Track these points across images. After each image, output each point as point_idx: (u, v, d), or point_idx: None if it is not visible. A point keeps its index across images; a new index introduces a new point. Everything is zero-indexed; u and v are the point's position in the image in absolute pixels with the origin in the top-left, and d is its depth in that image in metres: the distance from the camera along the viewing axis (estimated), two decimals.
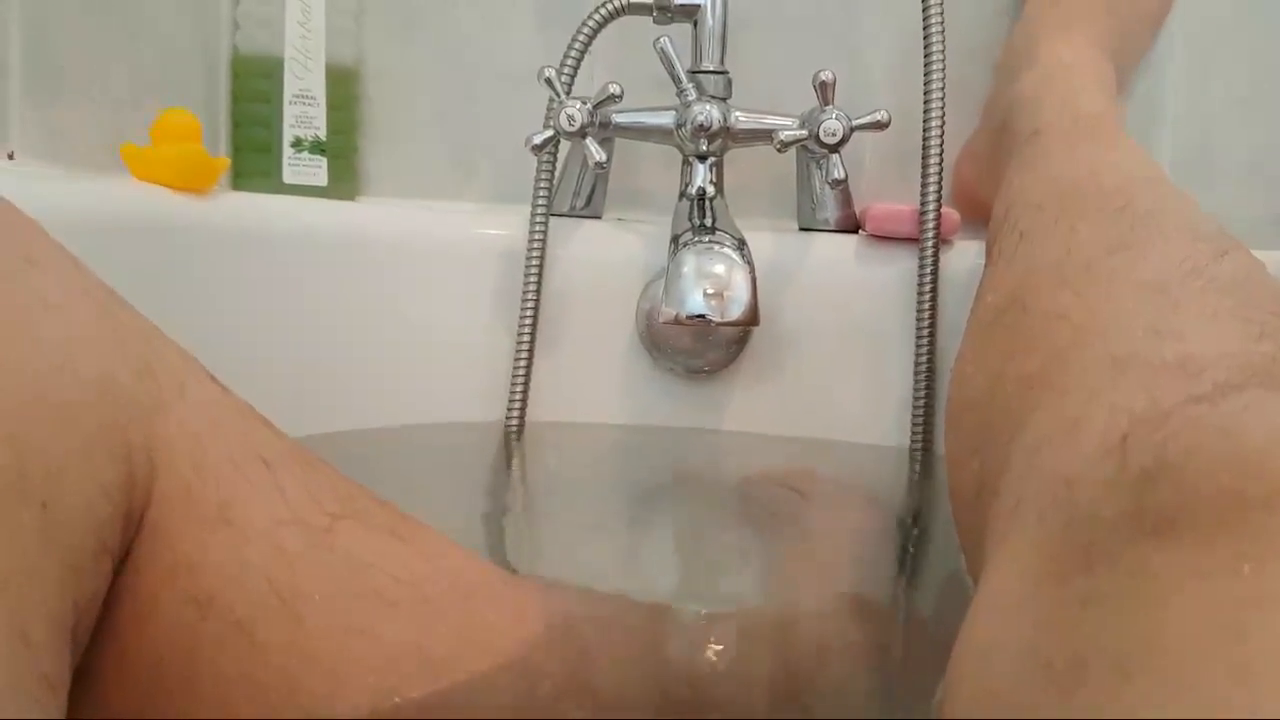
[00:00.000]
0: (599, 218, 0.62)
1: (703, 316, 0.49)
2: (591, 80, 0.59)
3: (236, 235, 0.51)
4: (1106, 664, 0.20)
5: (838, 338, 0.58)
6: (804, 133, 0.52)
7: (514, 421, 0.55)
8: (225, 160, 0.50)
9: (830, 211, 0.61)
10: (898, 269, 0.57)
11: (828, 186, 0.58)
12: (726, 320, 0.49)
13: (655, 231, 0.59)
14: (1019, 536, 0.26)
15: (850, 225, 0.61)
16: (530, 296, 0.56)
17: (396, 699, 0.27)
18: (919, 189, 0.56)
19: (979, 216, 0.59)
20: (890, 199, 0.62)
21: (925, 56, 0.53)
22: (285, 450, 0.28)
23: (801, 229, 0.62)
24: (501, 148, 0.67)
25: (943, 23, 0.53)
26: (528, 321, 0.56)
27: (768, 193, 0.63)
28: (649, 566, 0.41)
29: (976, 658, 0.24)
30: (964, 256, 0.56)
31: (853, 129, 0.52)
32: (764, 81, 0.63)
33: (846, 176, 0.53)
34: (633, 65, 0.59)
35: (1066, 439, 0.27)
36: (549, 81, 0.53)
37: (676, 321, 0.49)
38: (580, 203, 0.61)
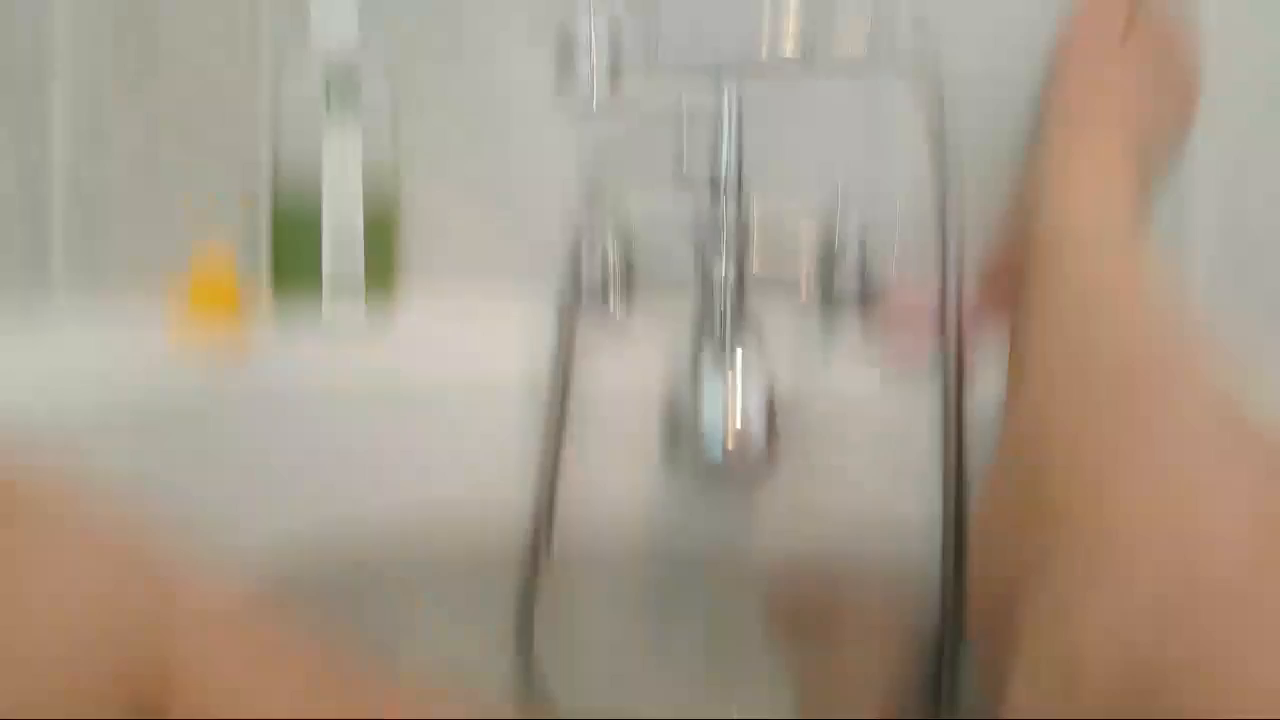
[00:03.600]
0: (624, 303, 0.63)
1: (723, 455, 0.50)
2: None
3: (268, 396, 0.54)
4: None
5: (864, 426, 0.58)
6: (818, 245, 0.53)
7: (541, 538, 0.57)
8: (256, 296, 0.53)
9: (852, 285, 0.61)
10: (924, 380, 0.57)
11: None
12: (747, 459, 0.50)
13: (681, 323, 0.59)
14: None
15: (875, 300, 0.61)
16: (555, 410, 0.57)
17: None
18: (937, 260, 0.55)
19: (1000, 325, 0.59)
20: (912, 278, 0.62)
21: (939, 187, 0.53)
22: (311, 684, 0.31)
23: (823, 301, 0.62)
24: (535, 241, 0.69)
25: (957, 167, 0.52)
26: (552, 450, 0.57)
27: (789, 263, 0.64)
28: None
29: None
30: (988, 378, 0.56)
31: (869, 285, 0.53)
32: (782, 171, 0.64)
33: (865, 285, 0.54)
34: (651, 154, 0.60)
35: (1075, 617, 0.28)
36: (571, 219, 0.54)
37: (695, 460, 0.51)
38: (603, 297, 0.62)
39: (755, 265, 0.57)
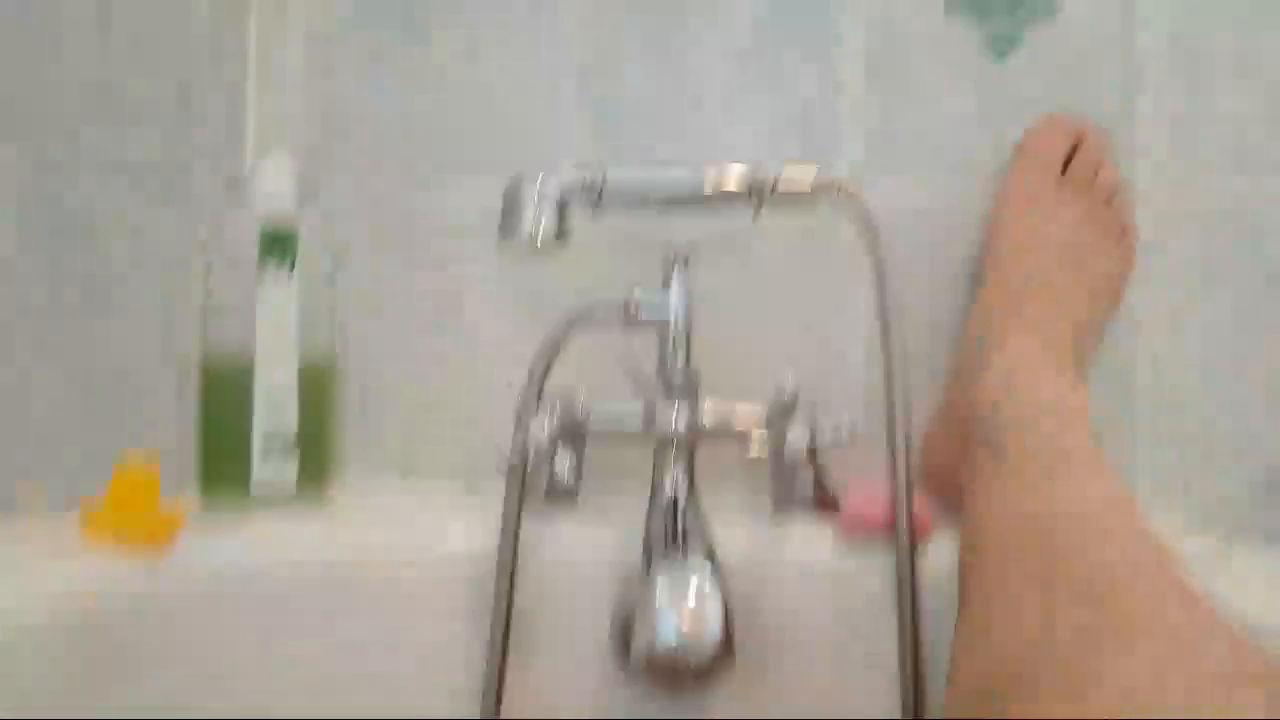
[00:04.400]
0: (574, 497, 0.61)
1: (675, 653, 0.48)
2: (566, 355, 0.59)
3: (193, 594, 0.50)
4: None
5: (820, 635, 0.56)
6: (769, 446, 0.52)
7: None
8: (182, 514, 0.49)
9: (806, 490, 0.60)
10: (878, 558, 0.56)
11: (799, 482, 0.58)
12: (700, 656, 0.48)
13: (630, 519, 0.58)
14: None
15: (828, 503, 0.60)
16: (501, 613, 0.54)
17: None
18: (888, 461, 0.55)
19: (948, 496, 0.59)
20: (865, 468, 0.62)
21: (886, 366, 0.52)
22: None
23: (776, 509, 0.61)
24: (478, 430, 0.68)
25: (901, 331, 0.53)
26: (499, 636, 0.54)
27: (742, 466, 0.63)
28: None
29: None
30: (943, 551, 0.55)
31: (818, 443, 0.52)
32: (731, 365, 0.64)
33: (817, 487, 0.53)
34: (602, 346, 0.59)
35: None
36: (518, 414, 0.52)
37: (649, 663, 0.48)
38: (556, 492, 0.61)
39: (706, 461, 0.56)
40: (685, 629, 0.48)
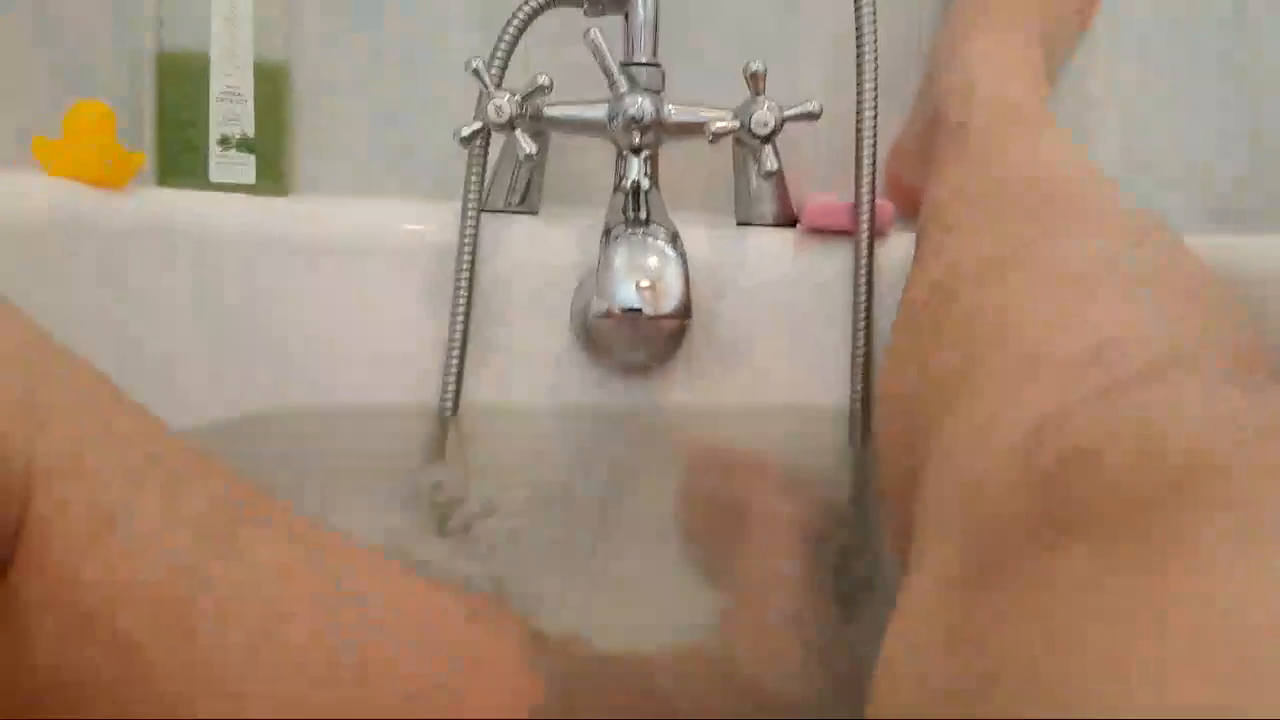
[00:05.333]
0: (535, 213, 0.61)
1: (636, 309, 0.49)
2: (527, 72, 0.58)
3: (155, 231, 0.49)
4: (1017, 677, 0.19)
5: (778, 334, 0.58)
6: (736, 124, 0.52)
7: (447, 402, 0.54)
8: (141, 155, 0.48)
9: (767, 205, 0.61)
10: (836, 262, 0.57)
11: (763, 179, 0.58)
12: (659, 313, 0.49)
13: (591, 225, 0.58)
14: (934, 544, 0.26)
15: (788, 219, 0.61)
16: (462, 296, 0.55)
17: (301, 709, 0.26)
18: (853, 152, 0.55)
19: (913, 207, 0.59)
20: (830, 191, 0.62)
21: (858, 50, 0.53)
22: (179, 454, 0.27)
23: (739, 223, 0.61)
24: (436, 143, 0.66)
25: (875, 17, 0.53)
26: (459, 324, 0.54)
27: (705, 186, 0.63)
28: (573, 582, 0.40)
29: (891, 679, 0.24)
30: (900, 249, 0.56)
31: (784, 119, 0.52)
32: (698, 75, 0.63)
33: (779, 168, 0.53)
34: (568, 57, 0.58)
35: (977, 441, 0.27)
36: (476, 73, 0.52)
37: (609, 315, 0.49)
38: (516, 198, 0.60)
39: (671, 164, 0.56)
40: (644, 285, 0.48)
